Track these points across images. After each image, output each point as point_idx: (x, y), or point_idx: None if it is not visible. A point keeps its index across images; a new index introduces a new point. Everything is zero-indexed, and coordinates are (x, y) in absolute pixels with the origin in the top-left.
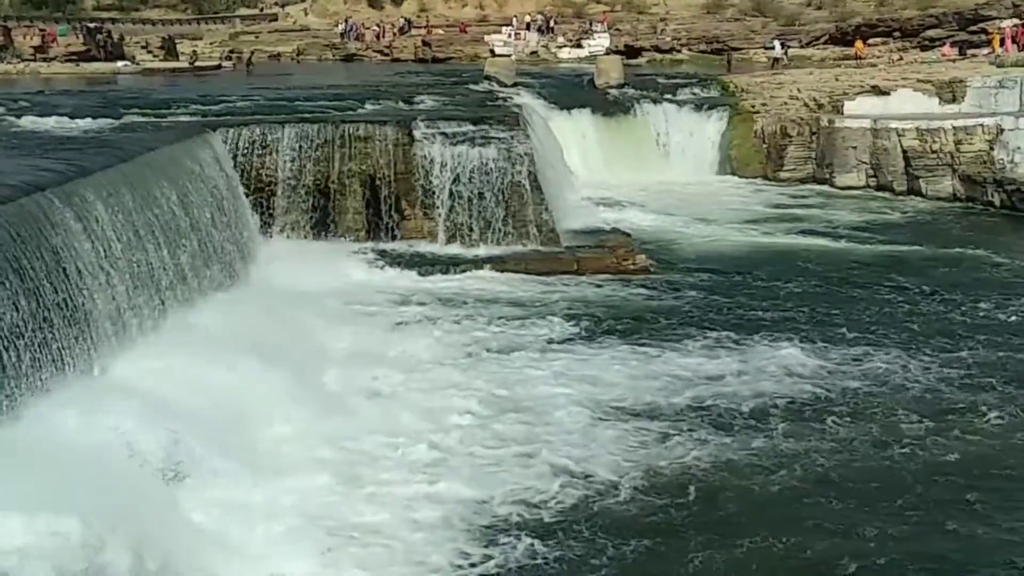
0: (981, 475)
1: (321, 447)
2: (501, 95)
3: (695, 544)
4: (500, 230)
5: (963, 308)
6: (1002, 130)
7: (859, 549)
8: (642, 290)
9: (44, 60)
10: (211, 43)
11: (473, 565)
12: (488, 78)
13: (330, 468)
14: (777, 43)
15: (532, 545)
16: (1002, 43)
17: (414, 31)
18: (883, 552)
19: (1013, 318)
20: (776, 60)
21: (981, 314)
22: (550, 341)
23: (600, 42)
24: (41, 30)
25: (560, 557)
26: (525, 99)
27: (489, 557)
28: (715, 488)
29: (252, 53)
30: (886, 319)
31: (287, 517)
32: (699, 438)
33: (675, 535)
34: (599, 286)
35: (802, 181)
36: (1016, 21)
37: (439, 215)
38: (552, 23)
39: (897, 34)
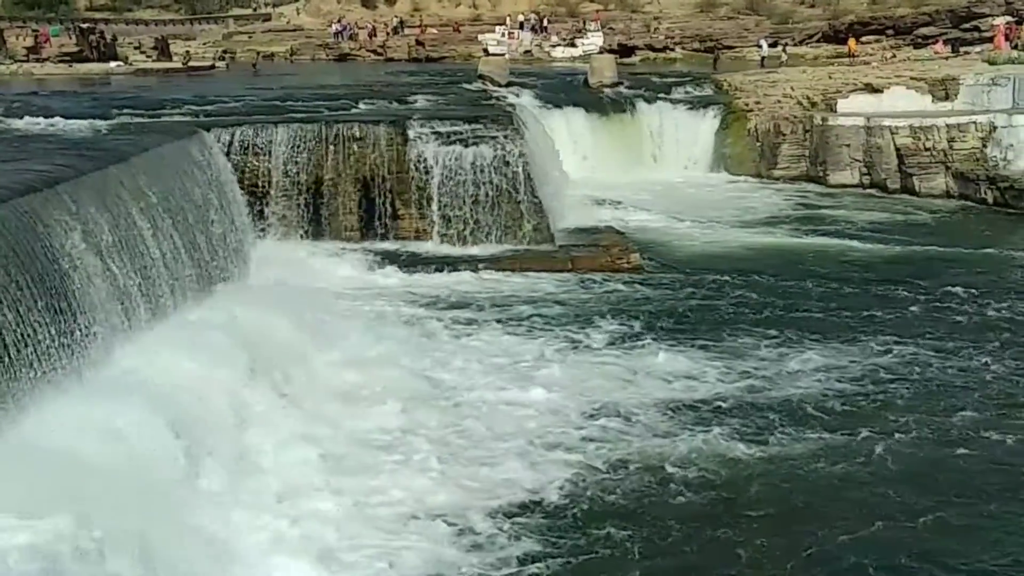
0: None
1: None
2: (495, 94)
3: (773, 531)
4: (494, 229)
5: (1001, 307)
6: (995, 127)
7: (922, 537)
8: (663, 289)
9: (37, 61)
10: (204, 43)
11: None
12: (482, 77)
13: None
14: (764, 42)
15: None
16: (992, 40)
17: (408, 31)
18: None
19: None
20: (764, 59)
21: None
22: (611, 342)
23: (593, 41)
24: (34, 31)
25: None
26: (519, 98)
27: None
28: (785, 480)
29: (259, 55)
30: (926, 319)
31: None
32: (766, 432)
33: (753, 523)
34: (641, 283)
35: (796, 179)
36: (1009, 18)
37: (433, 215)
38: (545, 22)
39: (890, 32)
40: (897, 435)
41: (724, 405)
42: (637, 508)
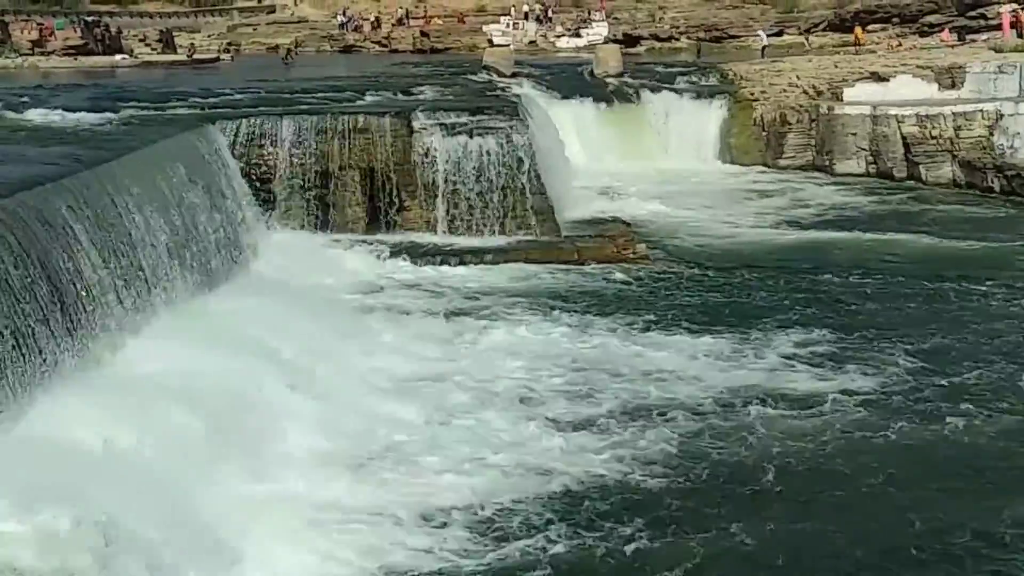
0: None
1: None
2: (500, 85)
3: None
4: (500, 220)
5: None
6: (1002, 115)
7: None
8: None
9: (42, 54)
10: (209, 36)
11: None
12: (487, 68)
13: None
14: (763, 33)
15: None
16: (999, 27)
17: (412, 22)
18: None
19: None
20: (764, 49)
21: None
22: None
23: (598, 31)
24: (39, 24)
25: None
26: (524, 89)
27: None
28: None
29: (291, 46)
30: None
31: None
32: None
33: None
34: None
35: (802, 168)
36: (1015, 6)
37: (439, 206)
38: (550, 12)
39: (896, 20)
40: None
41: (862, 391)
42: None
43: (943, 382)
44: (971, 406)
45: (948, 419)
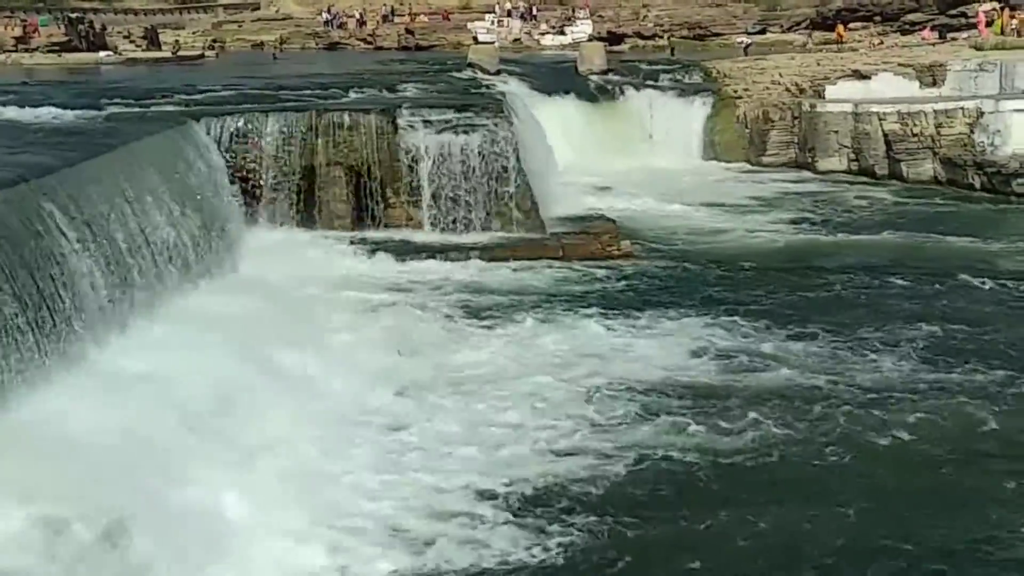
0: None
1: None
2: (484, 82)
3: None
4: (485, 217)
5: None
6: (982, 113)
7: None
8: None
9: (26, 51)
10: (194, 33)
11: None
12: (471, 65)
13: None
14: (744, 37)
15: None
16: (976, 26)
17: (397, 19)
18: None
19: None
20: (747, 48)
21: None
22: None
23: (583, 29)
24: (22, 20)
25: None
26: (509, 86)
27: None
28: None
29: (276, 43)
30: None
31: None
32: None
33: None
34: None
35: (784, 166)
36: (994, 5)
37: (424, 203)
38: (535, 10)
39: (878, 18)
40: None
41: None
42: None
43: None
44: None
45: None
